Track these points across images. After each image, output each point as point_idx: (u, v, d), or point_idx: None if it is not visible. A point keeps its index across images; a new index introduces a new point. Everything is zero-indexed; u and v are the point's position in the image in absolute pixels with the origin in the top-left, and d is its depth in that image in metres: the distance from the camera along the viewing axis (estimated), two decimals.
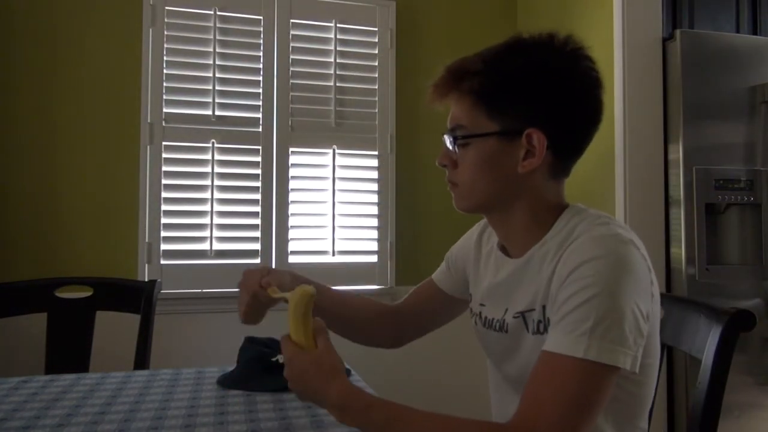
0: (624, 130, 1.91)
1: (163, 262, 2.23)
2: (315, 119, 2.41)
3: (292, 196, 2.37)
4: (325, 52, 2.43)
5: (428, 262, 2.53)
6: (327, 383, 0.81)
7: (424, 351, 1.87)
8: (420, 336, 1.18)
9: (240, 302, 0.97)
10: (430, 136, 2.49)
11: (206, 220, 2.27)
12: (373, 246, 2.46)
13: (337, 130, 2.43)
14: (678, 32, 1.92)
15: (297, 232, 2.38)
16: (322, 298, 0.98)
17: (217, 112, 2.30)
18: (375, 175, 2.48)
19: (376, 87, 2.49)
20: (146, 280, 2.16)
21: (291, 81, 2.38)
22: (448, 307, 1.14)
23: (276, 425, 0.90)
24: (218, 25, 2.31)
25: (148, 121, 2.24)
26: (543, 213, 0.89)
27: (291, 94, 2.38)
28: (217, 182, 2.28)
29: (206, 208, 2.27)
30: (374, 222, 2.46)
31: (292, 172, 2.37)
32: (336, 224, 2.40)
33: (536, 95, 0.85)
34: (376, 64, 2.49)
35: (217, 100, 2.30)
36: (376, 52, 2.49)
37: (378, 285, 2.45)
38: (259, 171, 2.34)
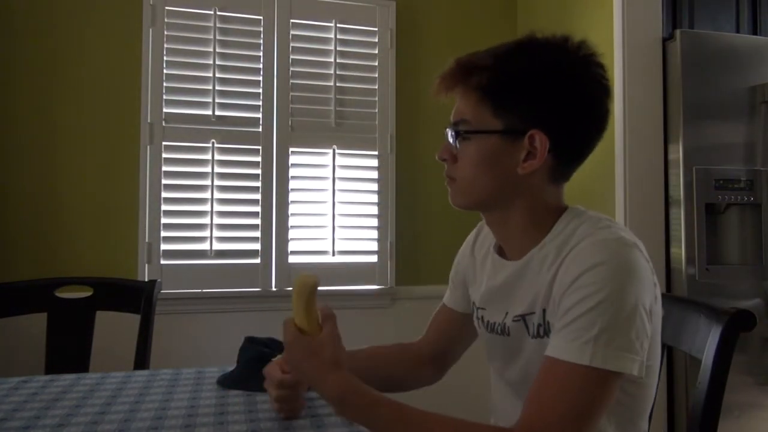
0: (624, 130, 1.91)
1: (163, 262, 2.23)
2: (315, 119, 2.41)
3: (292, 196, 2.37)
4: (325, 52, 2.43)
5: (428, 262, 2.57)
6: (326, 374, 0.80)
7: None
8: (458, 359, 1.14)
9: (270, 400, 0.93)
10: (430, 136, 2.50)
11: (206, 220, 2.27)
12: (373, 246, 2.45)
13: (337, 130, 2.43)
14: (678, 32, 1.92)
15: (297, 232, 2.37)
16: (357, 364, 0.90)
17: (217, 112, 2.30)
18: (375, 175, 2.47)
19: (376, 87, 2.48)
20: (146, 280, 2.16)
21: (291, 81, 2.38)
22: (469, 325, 1.08)
23: (276, 425, 0.90)
24: (218, 25, 2.31)
25: (148, 121, 2.24)
26: (541, 215, 0.88)
27: (291, 94, 2.38)
28: (217, 182, 2.28)
29: (206, 208, 2.27)
30: (374, 222, 2.46)
31: (292, 172, 2.37)
32: (336, 224, 2.40)
33: (543, 96, 0.84)
34: (376, 64, 2.49)
35: (217, 100, 2.30)
36: (376, 52, 2.49)
37: (378, 285, 2.43)
38: (259, 171, 2.34)
